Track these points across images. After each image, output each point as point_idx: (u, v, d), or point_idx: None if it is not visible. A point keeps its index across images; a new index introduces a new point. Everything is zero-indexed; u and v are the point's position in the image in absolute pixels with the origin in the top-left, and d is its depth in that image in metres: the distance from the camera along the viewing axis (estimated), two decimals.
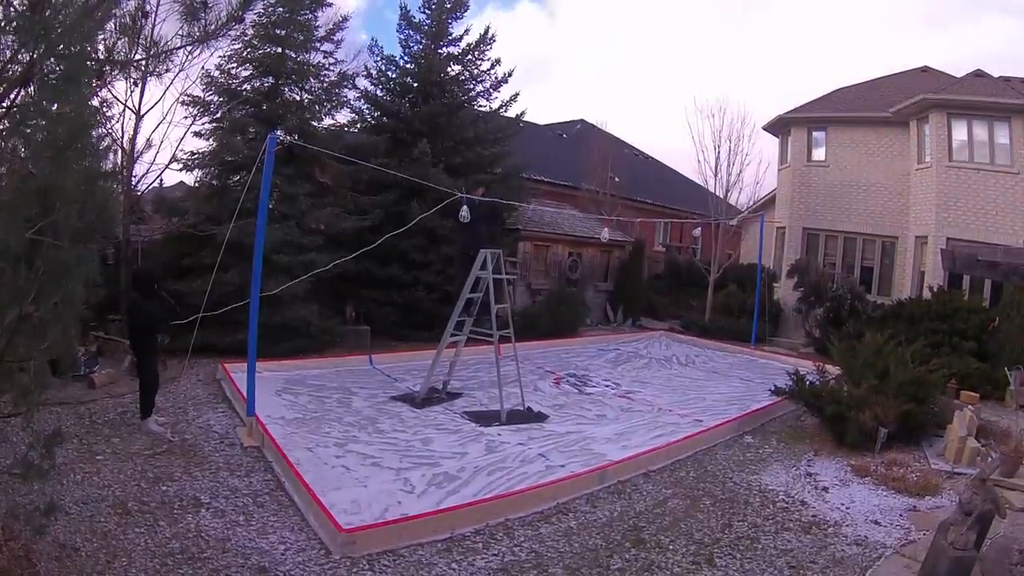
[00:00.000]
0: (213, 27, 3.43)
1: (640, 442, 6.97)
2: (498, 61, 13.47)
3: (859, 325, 11.75)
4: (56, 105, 2.65)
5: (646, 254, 18.37)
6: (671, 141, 62.17)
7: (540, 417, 7.68)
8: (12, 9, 2.68)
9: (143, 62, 7.36)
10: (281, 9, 10.23)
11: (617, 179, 19.63)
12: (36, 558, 3.60)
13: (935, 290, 12.14)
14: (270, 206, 8.40)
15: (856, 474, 6.44)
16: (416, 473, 5.64)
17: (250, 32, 10.13)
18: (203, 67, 9.83)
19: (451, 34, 13.27)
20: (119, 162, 9.16)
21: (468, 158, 12.61)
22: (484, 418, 7.44)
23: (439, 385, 8.41)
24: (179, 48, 5.53)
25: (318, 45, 11.01)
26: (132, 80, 8.46)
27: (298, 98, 11.00)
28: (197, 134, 10.23)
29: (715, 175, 16.87)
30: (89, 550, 3.92)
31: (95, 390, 7.23)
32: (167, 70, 8.64)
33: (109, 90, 8.03)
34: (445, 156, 12.11)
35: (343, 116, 12.09)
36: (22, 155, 2.75)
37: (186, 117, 10.00)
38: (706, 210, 17.05)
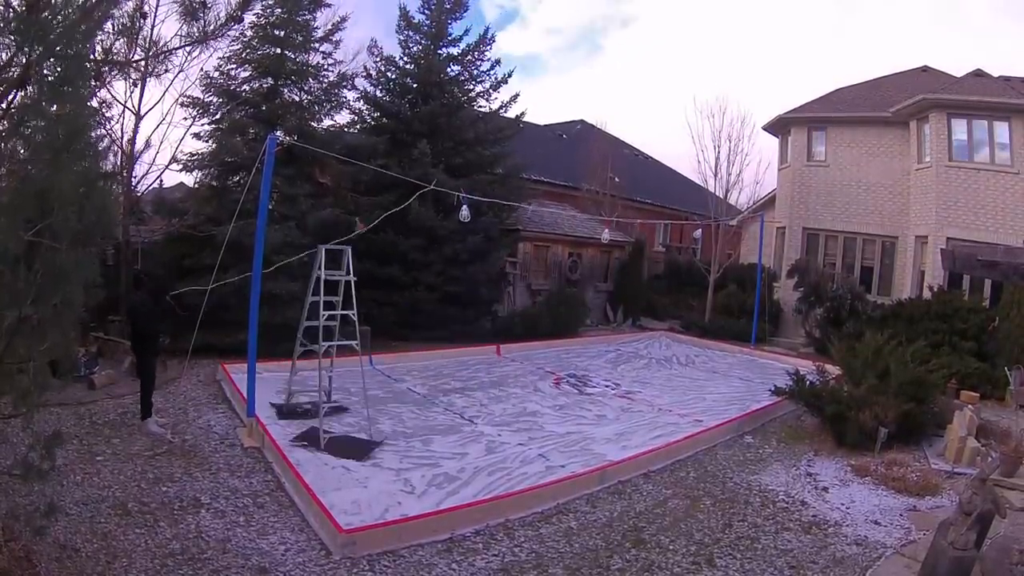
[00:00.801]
0: (212, 27, 3.43)
1: (640, 442, 6.98)
2: (498, 61, 13.51)
3: (859, 325, 11.75)
4: (55, 106, 2.65)
5: (646, 254, 18.37)
6: (671, 142, 62.15)
7: (365, 449, 6.15)
8: (10, 10, 2.68)
9: (142, 63, 7.37)
10: (280, 10, 10.23)
11: (617, 179, 19.64)
12: (36, 559, 3.60)
13: (935, 290, 12.14)
14: (270, 207, 8.39)
15: (856, 474, 6.44)
16: (416, 474, 5.64)
17: (249, 33, 10.14)
18: (202, 68, 9.84)
19: (451, 35, 13.30)
20: (119, 163, 9.17)
21: (468, 159, 12.62)
22: (309, 439, 6.25)
23: (325, 397, 7.16)
24: (178, 49, 5.55)
25: (317, 46, 11.01)
26: (131, 81, 8.48)
27: (297, 99, 11.00)
28: (196, 135, 10.26)
29: (715, 175, 16.92)
30: (89, 551, 3.92)
31: (95, 391, 7.23)
32: (166, 71, 8.67)
33: (108, 91, 8.04)
34: (445, 157, 12.12)
35: (343, 117, 12.12)
36: (20, 156, 2.75)
37: (185, 118, 10.03)
38: (706, 210, 17.06)
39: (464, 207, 8.65)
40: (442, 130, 12.51)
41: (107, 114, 8.41)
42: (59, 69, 2.63)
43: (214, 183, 10.40)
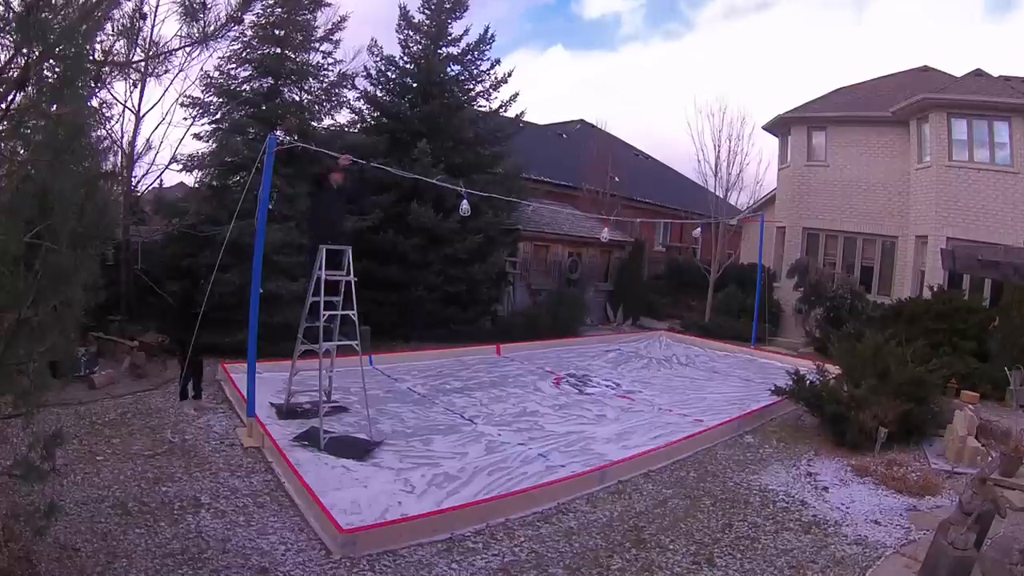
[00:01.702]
0: (212, 28, 3.42)
1: (640, 442, 6.98)
2: (498, 61, 13.50)
3: (859, 325, 11.74)
4: (55, 106, 2.65)
5: (646, 254, 18.36)
6: (671, 142, 62.13)
7: (365, 449, 6.14)
8: (10, 10, 2.68)
9: (142, 63, 7.35)
10: (280, 9, 10.23)
11: (617, 179, 19.62)
12: (36, 559, 3.60)
13: (935, 290, 12.13)
14: (270, 207, 8.40)
15: (856, 474, 6.44)
16: (416, 473, 5.64)
17: (249, 33, 10.15)
18: (202, 68, 9.86)
19: (451, 34, 13.26)
20: (119, 163, 9.18)
21: (468, 158, 12.62)
22: (309, 439, 6.25)
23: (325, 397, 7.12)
24: (178, 49, 5.52)
25: (317, 45, 11.02)
26: (131, 81, 8.49)
27: (297, 98, 11.00)
28: (196, 135, 10.27)
29: (715, 175, 16.91)
30: (89, 551, 3.93)
31: (95, 391, 7.23)
32: (166, 71, 8.63)
33: (108, 91, 8.02)
34: (445, 156, 12.11)
35: (343, 116, 12.14)
36: (20, 157, 2.75)
37: (185, 118, 10.05)
38: (706, 210, 17.03)
39: (464, 201, 8.67)
40: (442, 130, 12.50)
41: (107, 114, 8.41)
42: (59, 69, 2.62)
43: (214, 183, 10.41)
